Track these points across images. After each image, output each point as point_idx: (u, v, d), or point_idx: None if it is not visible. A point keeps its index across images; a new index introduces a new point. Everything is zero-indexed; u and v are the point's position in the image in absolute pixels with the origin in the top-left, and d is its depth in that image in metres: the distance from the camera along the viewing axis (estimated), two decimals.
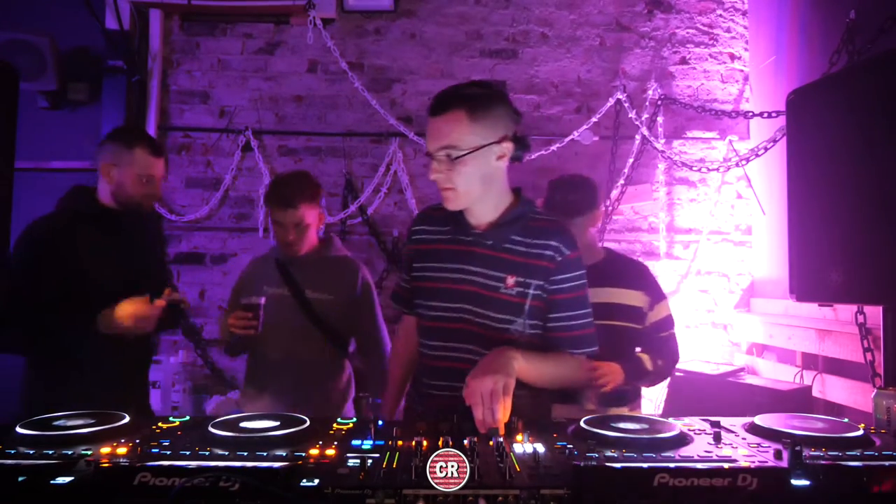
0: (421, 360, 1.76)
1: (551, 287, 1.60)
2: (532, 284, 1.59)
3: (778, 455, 1.12)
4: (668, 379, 2.44)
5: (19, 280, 1.96)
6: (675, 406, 3.09)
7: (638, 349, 2.30)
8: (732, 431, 1.34)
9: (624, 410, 2.31)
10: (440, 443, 1.21)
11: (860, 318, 2.42)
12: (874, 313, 2.25)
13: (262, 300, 2.13)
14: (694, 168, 3.69)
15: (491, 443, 1.18)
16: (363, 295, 2.42)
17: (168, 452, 1.13)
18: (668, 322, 2.38)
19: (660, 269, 3.74)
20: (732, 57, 3.88)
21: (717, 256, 3.78)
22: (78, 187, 2.19)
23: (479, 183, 1.58)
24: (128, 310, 1.94)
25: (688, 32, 3.88)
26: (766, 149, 3.24)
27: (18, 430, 1.23)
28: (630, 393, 2.37)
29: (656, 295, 2.36)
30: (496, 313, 1.60)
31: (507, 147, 1.59)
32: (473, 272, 1.62)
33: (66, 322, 1.96)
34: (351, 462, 1.08)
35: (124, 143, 2.11)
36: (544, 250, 1.59)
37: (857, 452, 1.17)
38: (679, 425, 1.31)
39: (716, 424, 1.30)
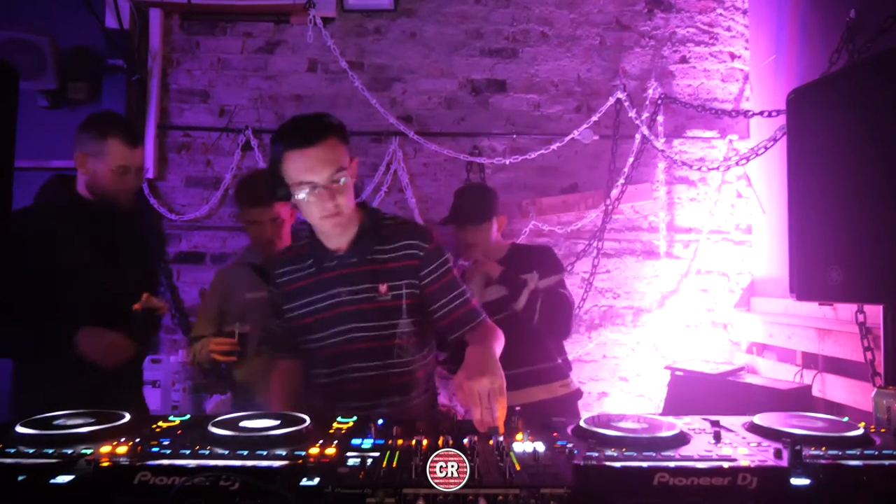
0: (318, 389, 1.78)
1: (423, 282, 1.70)
2: (403, 285, 1.68)
3: (778, 454, 1.12)
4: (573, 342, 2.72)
5: None
6: (674, 405, 3.09)
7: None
8: (732, 431, 1.34)
9: (556, 387, 2.49)
10: (440, 442, 1.21)
11: (860, 318, 2.42)
12: (874, 312, 2.25)
13: (248, 328, 2.11)
14: (694, 167, 3.68)
15: (491, 442, 1.18)
16: None
17: (168, 452, 1.13)
18: (553, 289, 2.48)
19: (660, 269, 3.75)
20: (732, 56, 3.88)
21: (717, 255, 3.78)
22: (56, 178, 2.10)
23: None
24: (99, 346, 1.87)
25: (688, 31, 3.88)
26: (766, 148, 3.24)
27: (18, 429, 1.23)
28: (561, 368, 2.54)
29: (548, 271, 2.51)
30: (376, 321, 1.68)
31: (355, 164, 1.68)
32: (345, 292, 1.69)
33: (44, 338, 1.88)
34: (351, 461, 1.08)
35: (98, 132, 2.00)
36: (405, 251, 1.69)
37: (857, 452, 1.17)
38: (679, 425, 1.31)
39: (716, 424, 1.30)
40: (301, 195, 1.57)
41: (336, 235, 1.68)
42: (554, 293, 2.48)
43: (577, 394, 2.61)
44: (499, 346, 1.63)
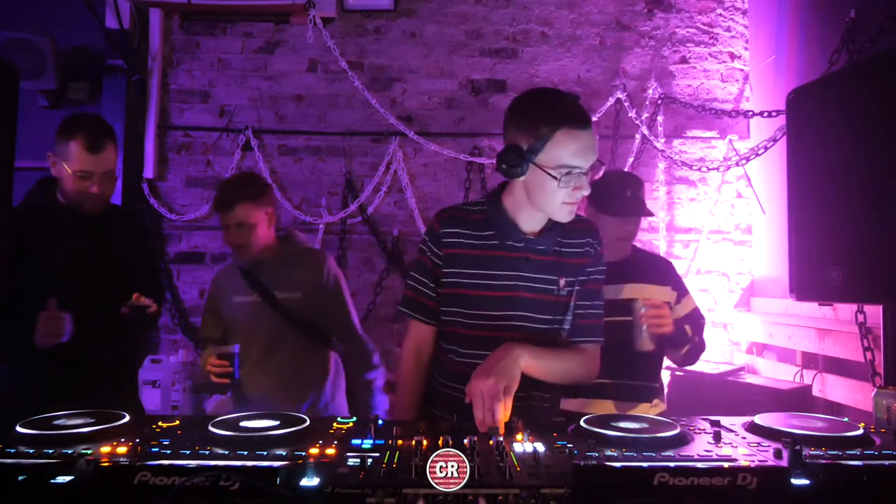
0: (447, 364, 1.70)
1: (582, 279, 1.64)
2: (576, 282, 1.63)
3: (778, 454, 1.12)
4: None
5: None
6: (675, 405, 3.08)
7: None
8: (732, 431, 1.34)
9: (646, 407, 2.29)
10: (440, 442, 1.20)
11: (860, 318, 2.42)
12: (874, 312, 2.25)
13: (237, 348, 2.11)
14: (694, 167, 3.68)
15: (491, 442, 1.18)
16: (331, 286, 2.40)
17: (168, 451, 1.13)
18: (697, 313, 2.39)
19: None
20: (732, 56, 3.88)
21: (717, 255, 3.78)
22: (40, 180, 2.08)
23: None
24: (39, 325, 1.83)
25: (688, 31, 3.88)
26: (766, 148, 3.24)
27: (18, 429, 1.23)
28: (658, 389, 2.37)
29: (682, 290, 2.38)
30: (548, 315, 1.62)
31: None
32: (528, 278, 1.59)
33: (6, 333, 1.85)
34: (351, 461, 1.08)
35: (64, 133, 1.95)
36: (584, 248, 1.64)
37: (856, 452, 1.17)
38: (679, 425, 1.31)
39: (716, 424, 1.30)
40: (560, 177, 1.46)
41: (542, 217, 1.59)
42: (699, 325, 2.34)
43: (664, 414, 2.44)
44: (568, 364, 1.59)
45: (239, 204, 2.23)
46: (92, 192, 1.97)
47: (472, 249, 1.62)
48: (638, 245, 2.48)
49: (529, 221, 1.60)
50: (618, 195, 2.30)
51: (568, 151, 1.46)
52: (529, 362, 1.46)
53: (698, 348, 2.36)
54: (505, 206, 1.61)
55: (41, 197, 2.04)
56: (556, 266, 1.61)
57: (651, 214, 2.40)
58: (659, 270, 2.37)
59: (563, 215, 1.54)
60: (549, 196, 1.50)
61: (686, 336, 2.25)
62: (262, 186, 2.35)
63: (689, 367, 3.12)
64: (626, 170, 3.63)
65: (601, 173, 1.61)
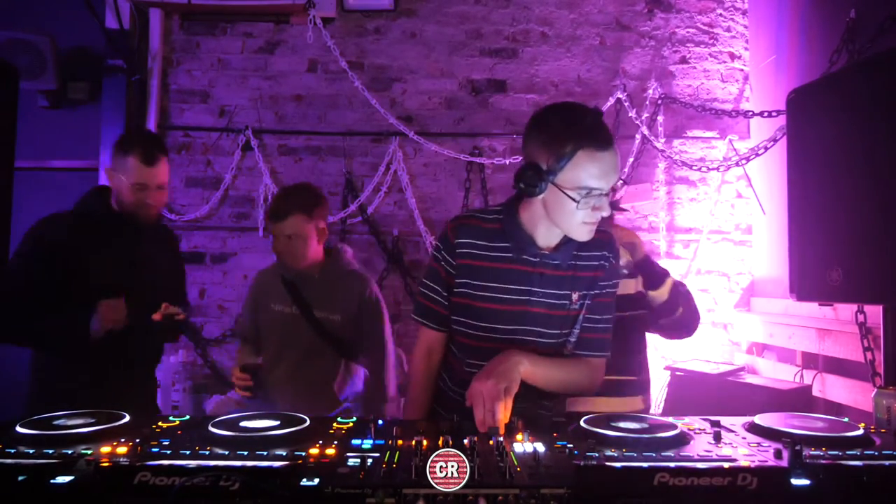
0: (456, 370, 1.70)
1: (595, 292, 1.61)
2: (588, 295, 1.61)
3: (778, 454, 1.12)
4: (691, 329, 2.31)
5: (19, 275, 1.97)
6: (675, 405, 3.08)
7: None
8: (732, 431, 1.34)
9: (637, 401, 2.26)
10: (440, 442, 1.20)
11: (860, 318, 2.42)
12: (874, 312, 2.25)
13: (260, 361, 2.16)
14: (694, 167, 3.68)
15: (491, 442, 1.18)
16: (369, 311, 2.37)
17: (168, 452, 1.13)
18: (678, 289, 2.24)
19: None
20: (732, 56, 3.88)
21: (717, 256, 3.78)
22: (98, 188, 2.21)
23: None
24: (100, 311, 1.97)
25: (688, 32, 3.88)
26: (766, 148, 3.24)
27: (18, 429, 1.23)
28: (641, 383, 2.31)
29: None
30: (557, 329, 1.60)
31: None
32: (540, 293, 1.58)
33: (63, 323, 1.97)
34: (351, 461, 1.08)
35: (121, 149, 2.08)
36: (598, 261, 1.61)
37: (857, 452, 1.17)
38: (679, 425, 1.31)
39: (716, 424, 1.30)
40: (579, 199, 1.43)
41: (560, 233, 1.55)
42: (679, 291, 2.25)
43: (647, 411, 2.37)
44: (567, 375, 1.58)
45: (292, 215, 2.23)
46: (147, 202, 2.09)
47: (487, 261, 1.59)
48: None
49: (546, 236, 1.57)
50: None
51: (588, 174, 1.42)
52: (529, 369, 1.46)
53: (693, 313, 2.25)
54: (521, 220, 1.58)
55: (96, 204, 2.15)
56: (570, 281, 1.59)
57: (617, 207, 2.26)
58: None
59: (583, 235, 1.51)
60: (567, 216, 1.47)
61: (661, 269, 2.16)
62: (318, 199, 2.33)
63: (688, 367, 3.13)
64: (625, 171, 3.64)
65: (622, 193, 1.57)
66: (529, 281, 1.57)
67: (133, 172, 2.05)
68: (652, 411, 3.41)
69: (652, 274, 2.16)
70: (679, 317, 2.22)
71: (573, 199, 1.43)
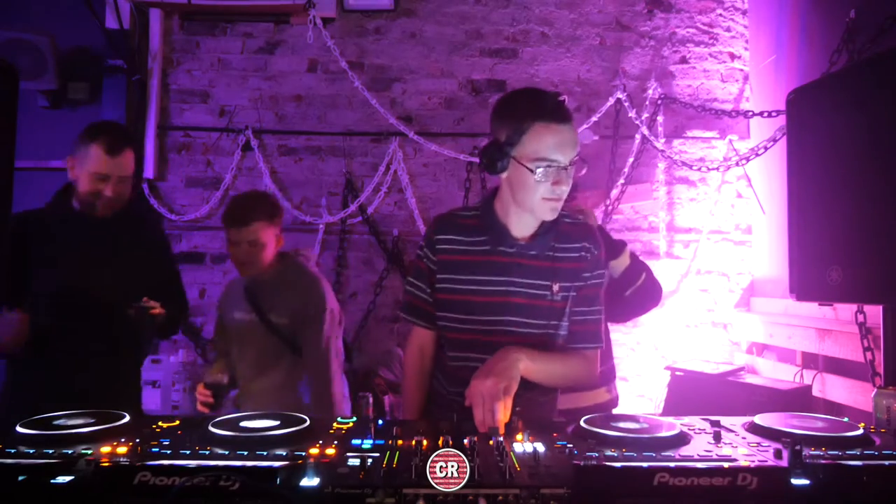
0: (446, 369, 1.72)
1: (579, 284, 1.63)
2: (572, 287, 1.62)
3: (778, 454, 1.12)
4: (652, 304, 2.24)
5: None
6: (674, 405, 3.09)
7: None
8: (732, 431, 1.34)
9: (601, 392, 2.25)
10: (440, 442, 1.20)
11: (860, 318, 2.42)
12: (874, 312, 2.25)
13: (226, 380, 2.15)
14: (694, 167, 3.68)
15: (491, 442, 1.18)
16: (309, 314, 2.32)
17: (168, 452, 1.13)
18: (636, 264, 2.19)
19: (660, 269, 3.74)
20: (732, 56, 3.88)
21: (717, 256, 3.78)
22: (67, 186, 2.14)
23: None
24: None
25: (688, 32, 3.88)
26: (766, 148, 3.24)
27: (18, 429, 1.23)
28: (604, 373, 2.18)
29: (612, 250, 2.13)
30: (541, 320, 1.62)
31: None
32: (519, 283, 1.60)
33: None
34: (351, 461, 1.08)
35: (85, 137, 2.01)
36: (580, 252, 1.62)
37: (856, 452, 1.17)
38: (679, 425, 1.31)
39: (716, 424, 1.30)
40: (536, 171, 1.47)
41: (532, 222, 1.60)
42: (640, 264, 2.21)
43: (615, 402, 2.35)
44: (566, 368, 1.60)
45: (256, 221, 2.23)
46: (105, 194, 2.01)
47: (465, 255, 1.64)
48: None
49: (520, 226, 1.61)
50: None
51: (545, 144, 1.47)
52: (528, 365, 1.47)
53: (653, 283, 2.19)
54: (496, 212, 1.63)
55: (59, 200, 2.10)
56: (549, 271, 1.61)
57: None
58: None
59: (546, 212, 1.55)
60: (529, 191, 1.51)
61: (617, 242, 2.11)
62: (278, 207, 2.36)
63: (688, 367, 3.13)
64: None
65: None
66: (507, 271, 1.60)
67: (94, 161, 1.98)
68: (652, 411, 3.42)
69: (610, 244, 2.09)
70: (643, 282, 2.16)
71: (531, 171, 1.48)
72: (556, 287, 1.60)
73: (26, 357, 1.98)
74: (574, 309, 1.64)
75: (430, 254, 1.68)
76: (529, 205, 1.54)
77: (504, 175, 1.55)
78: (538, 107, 1.48)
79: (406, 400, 1.79)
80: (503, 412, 1.33)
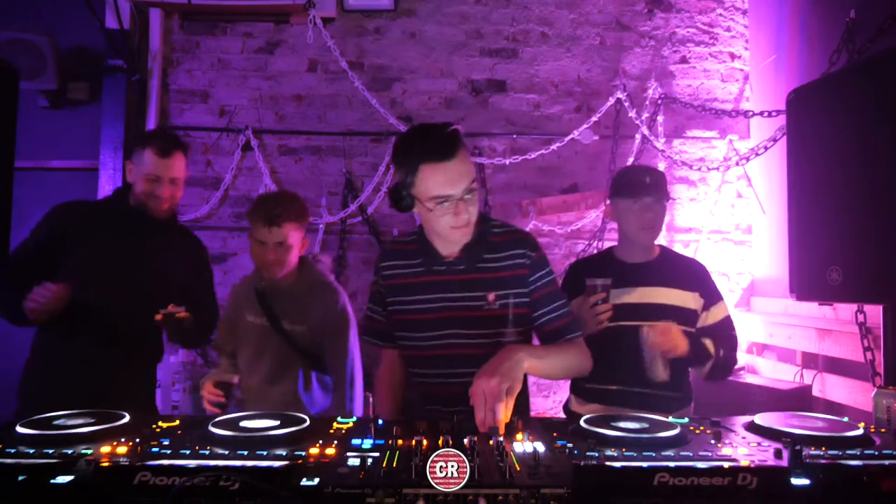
0: (415, 387, 1.82)
1: (530, 289, 1.69)
2: (511, 294, 1.68)
3: (778, 454, 1.12)
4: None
5: (19, 247, 2.06)
6: None
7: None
8: (732, 430, 1.34)
9: (688, 411, 2.19)
10: (440, 442, 1.20)
11: (860, 318, 2.42)
12: (874, 312, 2.25)
13: (236, 380, 2.14)
14: (694, 167, 3.68)
15: (491, 442, 1.18)
16: (332, 325, 2.32)
17: (168, 452, 1.13)
18: (726, 323, 2.19)
19: None
20: (732, 56, 3.88)
21: (717, 255, 3.78)
22: (124, 185, 2.28)
23: None
24: (33, 291, 1.92)
25: (688, 31, 3.88)
26: (766, 148, 3.24)
27: (18, 429, 1.23)
28: (683, 398, 2.21)
29: (712, 297, 2.17)
30: (485, 329, 1.68)
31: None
32: (452, 298, 1.69)
33: (15, 297, 1.94)
34: (351, 461, 1.08)
35: (140, 143, 2.18)
36: (515, 260, 1.69)
37: (856, 451, 1.17)
38: (679, 425, 1.31)
39: (716, 423, 1.30)
40: (434, 207, 1.56)
41: (456, 243, 1.67)
42: (727, 338, 2.15)
43: None
44: (567, 359, 1.66)
45: (287, 222, 2.20)
46: (158, 194, 2.15)
47: (406, 278, 1.75)
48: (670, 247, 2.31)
49: (445, 246, 1.69)
50: (635, 180, 2.15)
51: (435, 182, 1.54)
52: (532, 362, 1.49)
53: (724, 366, 2.15)
54: (427, 235, 1.72)
55: (116, 198, 2.26)
56: (480, 282, 1.68)
57: (669, 198, 2.19)
58: (686, 274, 2.17)
59: (457, 237, 1.63)
60: (435, 224, 1.60)
61: (705, 351, 2.05)
62: (306, 209, 2.34)
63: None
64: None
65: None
66: (440, 288, 1.70)
67: (147, 164, 2.13)
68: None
69: (696, 357, 2.07)
70: (707, 371, 2.14)
71: (429, 209, 1.57)
72: (491, 297, 1.67)
73: (55, 330, 2.06)
74: (541, 311, 1.69)
75: (380, 280, 1.80)
76: (441, 234, 1.64)
77: (414, 211, 1.64)
78: (424, 148, 1.55)
79: (380, 410, 1.89)
80: (504, 413, 1.33)
